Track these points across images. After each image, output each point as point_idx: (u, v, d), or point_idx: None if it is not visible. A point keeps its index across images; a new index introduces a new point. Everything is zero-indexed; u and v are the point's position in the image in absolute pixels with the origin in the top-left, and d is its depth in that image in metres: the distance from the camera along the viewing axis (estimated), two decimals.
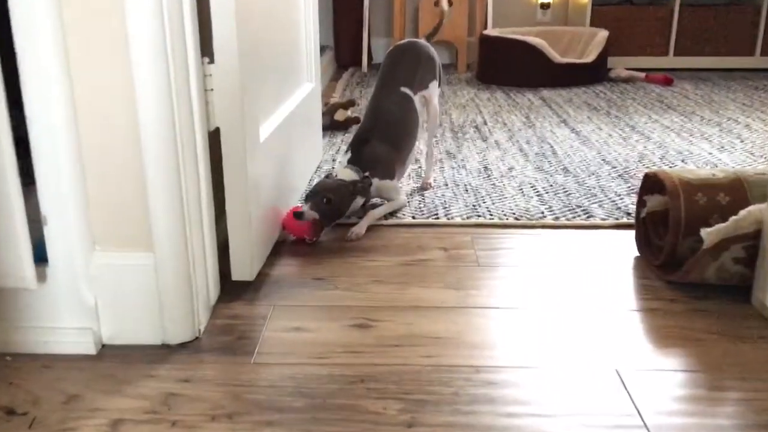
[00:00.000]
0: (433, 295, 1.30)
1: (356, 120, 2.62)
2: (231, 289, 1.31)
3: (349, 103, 2.62)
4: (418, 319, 1.21)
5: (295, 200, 1.76)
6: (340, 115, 2.57)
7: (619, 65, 3.86)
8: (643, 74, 3.72)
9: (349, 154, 1.71)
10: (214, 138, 1.23)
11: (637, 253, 1.49)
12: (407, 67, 1.82)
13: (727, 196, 1.32)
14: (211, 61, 1.18)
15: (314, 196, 1.54)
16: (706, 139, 2.43)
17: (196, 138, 1.12)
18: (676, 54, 4.05)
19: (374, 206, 1.71)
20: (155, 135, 1.01)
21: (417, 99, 1.81)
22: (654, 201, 1.44)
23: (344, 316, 1.22)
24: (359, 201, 1.63)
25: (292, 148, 1.68)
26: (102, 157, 1.04)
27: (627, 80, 3.72)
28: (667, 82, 3.60)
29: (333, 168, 2.11)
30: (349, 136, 2.51)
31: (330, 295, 1.30)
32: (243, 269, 1.32)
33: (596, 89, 3.50)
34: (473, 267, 1.43)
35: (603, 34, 3.70)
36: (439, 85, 1.91)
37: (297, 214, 1.50)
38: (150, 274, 1.08)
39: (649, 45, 4.05)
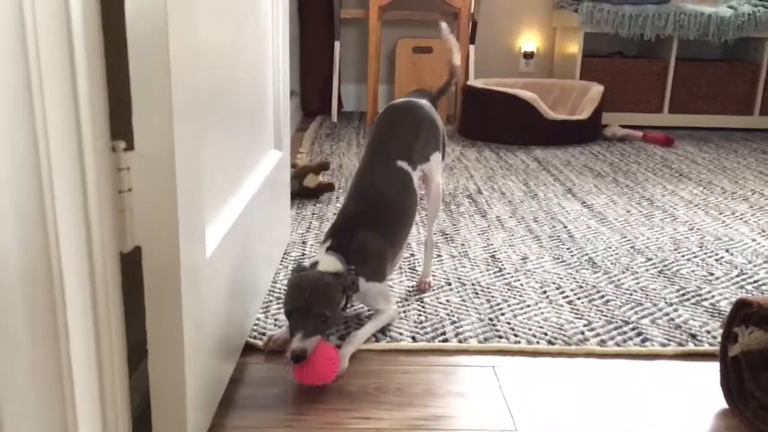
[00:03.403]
0: None
1: (329, 186, 2.20)
2: None
3: (321, 167, 2.20)
4: None
5: (257, 309, 1.32)
6: (310, 181, 2.15)
7: (612, 122, 3.55)
8: (640, 133, 3.40)
9: (329, 242, 1.28)
10: (132, 258, 0.80)
11: (725, 404, 1.09)
12: (405, 136, 1.42)
13: None
14: (130, 147, 0.75)
15: (303, 315, 1.10)
16: (740, 219, 2.08)
17: (93, 269, 0.69)
18: (671, 111, 3.76)
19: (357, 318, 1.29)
20: (11, 277, 0.58)
21: (416, 176, 1.41)
22: (752, 338, 1.05)
23: None
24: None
25: (254, 244, 1.25)
26: None
27: (623, 139, 3.40)
28: (668, 143, 3.29)
29: (305, 255, 1.68)
30: (321, 207, 2.09)
31: None
32: None
33: (593, 149, 3.16)
34: (508, 430, 1.01)
35: (598, 89, 3.38)
36: (443, 158, 1.52)
37: (295, 357, 1.06)
38: None
39: (642, 101, 3.75)
